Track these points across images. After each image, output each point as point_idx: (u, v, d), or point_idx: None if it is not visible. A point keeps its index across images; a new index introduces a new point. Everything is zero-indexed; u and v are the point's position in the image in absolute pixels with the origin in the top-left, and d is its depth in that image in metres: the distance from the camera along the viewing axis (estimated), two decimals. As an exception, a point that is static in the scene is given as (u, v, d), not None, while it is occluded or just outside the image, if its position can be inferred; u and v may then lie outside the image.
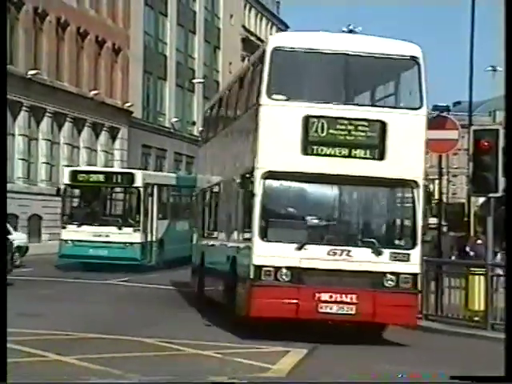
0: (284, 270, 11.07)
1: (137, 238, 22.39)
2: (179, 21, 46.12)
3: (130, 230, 22.30)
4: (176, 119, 45.41)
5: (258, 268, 11.12)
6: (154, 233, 23.29)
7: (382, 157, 11.28)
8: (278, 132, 11.33)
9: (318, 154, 11.26)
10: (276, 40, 12.12)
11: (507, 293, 8.76)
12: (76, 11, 34.81)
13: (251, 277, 11.17)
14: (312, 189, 11.64)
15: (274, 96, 11.37)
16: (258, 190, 11.19)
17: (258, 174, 11.26)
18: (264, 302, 11.04)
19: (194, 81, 47.23)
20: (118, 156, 39.26)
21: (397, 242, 11.48)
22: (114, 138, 38.93)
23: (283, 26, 66.52)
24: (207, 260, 15.51)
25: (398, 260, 11.11)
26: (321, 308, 11.09)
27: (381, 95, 12.50)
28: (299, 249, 11.12)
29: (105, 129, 37.87)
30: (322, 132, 11.23)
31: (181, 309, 15.12)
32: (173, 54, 45.60)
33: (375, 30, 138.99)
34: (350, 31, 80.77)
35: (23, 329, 11.11)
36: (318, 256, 11.12)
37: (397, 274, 11.08)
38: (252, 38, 58.57)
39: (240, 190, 12.18)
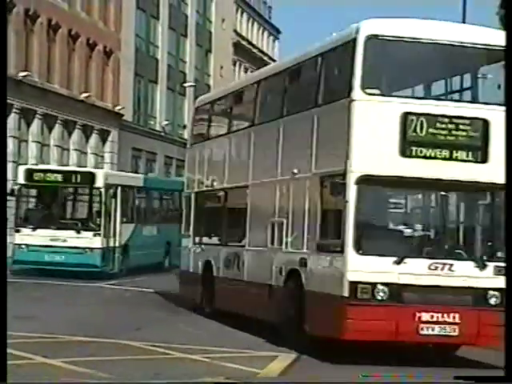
0: (381, 287, 9.85)
1: (97, 242, 20.78)
2: (171, 24, 46.12)
3: (90, 234, 20.74)
4: (167, 122, 45.39)
5: (354, 284, 9.83)
6: (118, 238, 21.70)
7: (484, 159, 10.23)
8: (373, 131, 10.09)
9: (416, 156, 10.08)
10: (370, 27, 10.39)
11: (507, 293, 8.57)
12: (67, 13, 34.74)
13: (345, 295, 9.85)
14: (410, 195, 10.67)
15: (369, 90, 10.13)
16: (351, 196, 9.89)
17: (351, 178, 9.95)
18: (360, 323, 9.79)
19: (185, 84, 47.21)
20: (108, 159, 39.18)
21: (499, 254, 10.14)
22: (104, 140, 38.86)
23: (275, 31, 66.64)
24: (223, 269, 13.96)
25: (503, 274, 9.69)
26: (422, 329, 9.98)
27: (483, 90, 11.23)
28: (398, 263, 9.91)
29: (95, 131, 37.81)
30: (422, 131, 10.08)
31: (169, 313, 15.11)
32: (164, 58, 45.59)
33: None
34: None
35: (14, 332, 11.07)
36: (417, 271, 9.95)
37: (501, 290, 9.78)
38: (243, 43, 58.65)
39: (314, 194, 10.75)
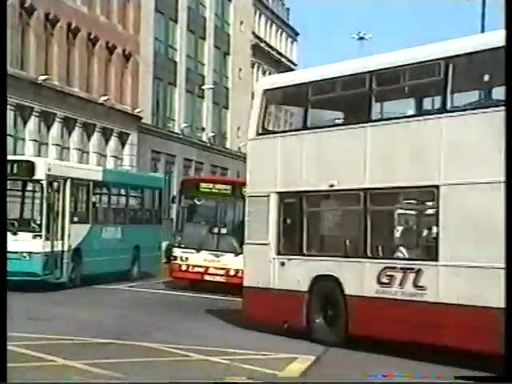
0: None
1: (38, 246, 17.25)
2: (189, 27, 46.24)
3: (29, 235, 17.28)
4: (185, 125, 45.51)
5: None
6: (66, 240, 18.11)
7: None
8: None
9: None
10: None
11: (507, 292, 8.54)
12: (87, 17, 34.95)
13: None
14: None
15: None
16: None
17: None
18: None
19: (204, 87, 47.32)
20: (127, 161, 39.34)
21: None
22: (123, 143, 39.03)
23: (293, 33, 66.62)
24: (370, 287, 11.40)
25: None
26: None
27: None
28: None
29: (114, 134, 37.98)
30: None
31: (188, 315, 15.13)
32: (183, 60, 45.72)
33: (385, 36, 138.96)
34: (361, 38, 79.81)
35: (32, 333, 11.15)
36: None
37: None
38: (262, 45, 58.68)
39: None
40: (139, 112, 39.44)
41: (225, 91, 52.06)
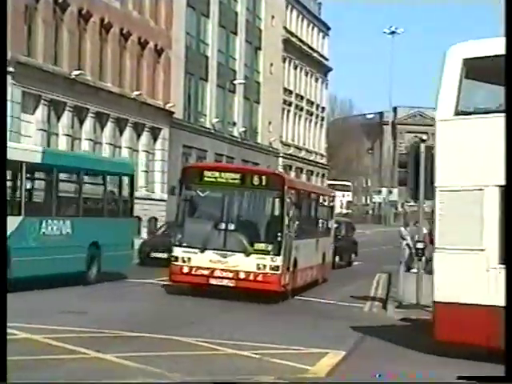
0: None
1: None
2: (221, 22, 46.31)
3: None
4: (217, 120, 45.61)
5: None
6: None
7: None
8: None
9: None
10: None
11: (507, 292, 8.34)
12: (119, 12, 35.16)
13: None
14: None
15: None
16: None
17: None
18: None
19: (235, 81, 47.36)
20: (159, 156, 39.54)
21: None
22: (155, 138, 39.22)
23: (324, 28, 66.39)
24: None
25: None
26: None
27: None
28: None
29: (146, 129, 38.18)
30: None
31: (220, 308, 15.19)
32: (214, 55, 45.81)
33: (417, 30, 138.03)
34: (392, 32, 79.94)
35: (66, 326, 11.28)
36: None
37: None
38: (293, 39, 58.56)
39: None
40: (171, 107, 39.60)
41: (256, 86, 52.06)
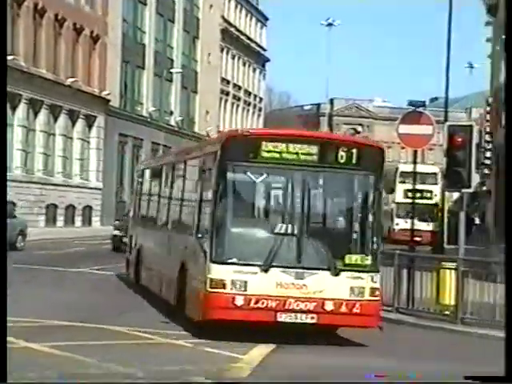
0: None
1: None
2: (158, 10, 45.92)
3: None
4: (154, 108, 45.27)
5: None
6: None
7: None
8: None
9: None
10: None
11: (507, 291, 8.23)
12: (54, -3, 34.56)
13: None
14: None
15: None
16: None
17: None
18: None
19: (173, 70, 47.08)
20: (94, 144, 39.06)
21: None
22: (90, 126, 38.73)
23: (262, 18, 66.45)
24: None
25: None
26: None
27: None
28: None
29: (81, 116, 37.66)
30: None
31: (151, 299, 15.07)
32: (151, 43, 45.42)
33: (353, 24, 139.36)
34: (329, 24, 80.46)
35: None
36: None
37: None
38: (231, 29, 58.49)
39: None
40: (107, 95, 39.14)
41: (193, 75, 51.86)
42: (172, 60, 48.19)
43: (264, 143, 10.54)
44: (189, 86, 51.07)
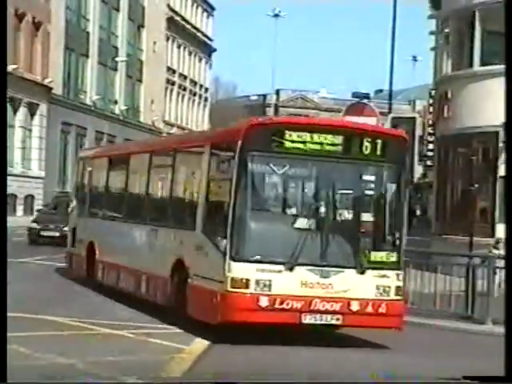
0: None
1: None
2: (103, -3, 45.37)
3: None
4: (98, 97, 44.75)
5: None
6: None
7: None
8: None
9: None
10: None
11: (507, 290, 7.95)
12: (-5, -18, 33.88)
13: None
14: None
15: None
16: None
17: None
18: None
19: (117, 59, 46.60)
20: (36, 133, 38.44)
21: None
22: (32, 114, 38.09)
23: (209, 8, 66.19)
24: None
25: None
26: None
27: None
28: None
29: (23, 104, 37.01)
30: None
31: (93, 289, 14.92)
32: (95, 31, 44.85)
33: (299, 15, 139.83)
34: (276, 15, 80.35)
35: None
36: None
37: None
38: (177, 18, 58.13)
39: None
40: (49, 82, 38.55)
41: (139, 64, 51.40)
42: (117, 48, 47.67)
43: (288, 132, 9.87)
44: (134, 74, 50.60)
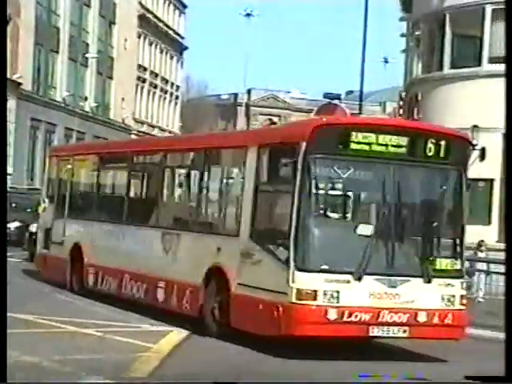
0: None
1: None
2: (74, -7, 45.02)
3: None
4: (67, 93, 44.40)
5: None
6: None
7: None
8: None
9: None
10: None
11: (507, 292, 7.78)
12: (-36, -25, 33.46)
13: None
14: None
15: None
16: None
17: None
18: None
19: (88, 55, 46.26)
20: (4, 128, 38.05)
21: None
22: (1, 109, 37.71)
23: (181, 6, 66.00)
24: None
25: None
26: None
27: None
28: None
29: (-9, 100, 36.63)
30: None
31: (57, 287, 14.77)
32: (66, 27, 44.49)
33: (272, 14, 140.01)
34: (248, 15, 79.94)
35: None
36: None
37: None
38: (149, 16, 57.87)
39: None
40: (18, 78, 38.16)
41: (109, 61, 51.07)
42: (87, 45, 47.32)
43: (354, 133, 9.29)
44: (104, 71, 50.27)
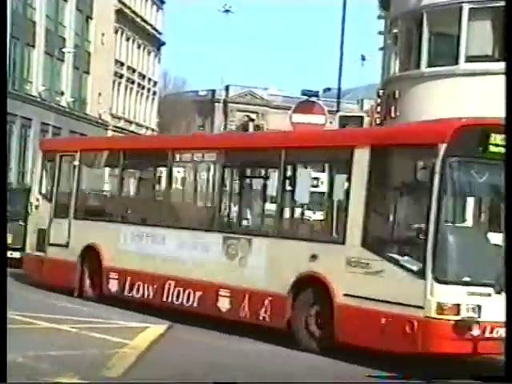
0: None
1: None
2: (50, -14, 44.68)
3: None
4: (43, 88, 44.06)
5: None
6: None
7: None
8: None
9: None
10: None
11: (507, 292, 7.62)
12: None
13: None
14: None
15: None
16: None
17: None
18: None
19: (65, 50, 45.93)
20: (-21, 123, 37.69)
21: None
22: (-24, 103, 37.36)
23: (158, 1, 65.77)
24: None
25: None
26: None
27: None
28: None
29: (-34, 94, 36.27)
30: None
31: (29, 284, 14.62)
32: (42, 21, 44.13)
33: (250, 11, 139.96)
34: (226, 11, 79.81)
35: None
36: None
37: None
38: (126, 10, 57.61)
39: None
40: (-6, 72, 37.79)
41: (86, 55, 50.76)
42: (64, 39, 46.98)
43: (493, 135, 8.71)
44: (81, 66, 49.95)
